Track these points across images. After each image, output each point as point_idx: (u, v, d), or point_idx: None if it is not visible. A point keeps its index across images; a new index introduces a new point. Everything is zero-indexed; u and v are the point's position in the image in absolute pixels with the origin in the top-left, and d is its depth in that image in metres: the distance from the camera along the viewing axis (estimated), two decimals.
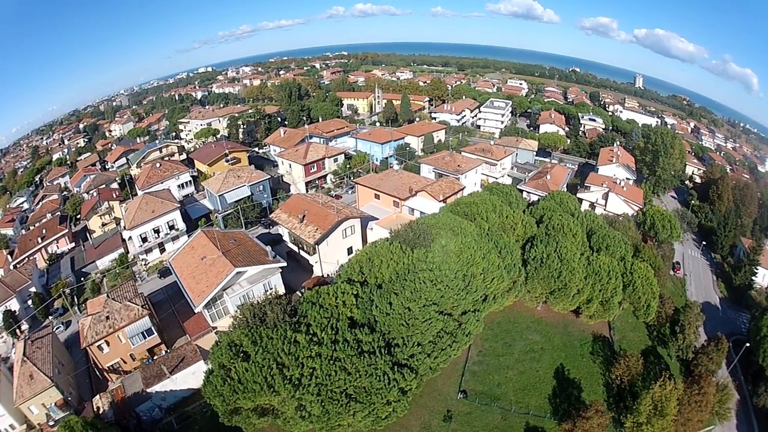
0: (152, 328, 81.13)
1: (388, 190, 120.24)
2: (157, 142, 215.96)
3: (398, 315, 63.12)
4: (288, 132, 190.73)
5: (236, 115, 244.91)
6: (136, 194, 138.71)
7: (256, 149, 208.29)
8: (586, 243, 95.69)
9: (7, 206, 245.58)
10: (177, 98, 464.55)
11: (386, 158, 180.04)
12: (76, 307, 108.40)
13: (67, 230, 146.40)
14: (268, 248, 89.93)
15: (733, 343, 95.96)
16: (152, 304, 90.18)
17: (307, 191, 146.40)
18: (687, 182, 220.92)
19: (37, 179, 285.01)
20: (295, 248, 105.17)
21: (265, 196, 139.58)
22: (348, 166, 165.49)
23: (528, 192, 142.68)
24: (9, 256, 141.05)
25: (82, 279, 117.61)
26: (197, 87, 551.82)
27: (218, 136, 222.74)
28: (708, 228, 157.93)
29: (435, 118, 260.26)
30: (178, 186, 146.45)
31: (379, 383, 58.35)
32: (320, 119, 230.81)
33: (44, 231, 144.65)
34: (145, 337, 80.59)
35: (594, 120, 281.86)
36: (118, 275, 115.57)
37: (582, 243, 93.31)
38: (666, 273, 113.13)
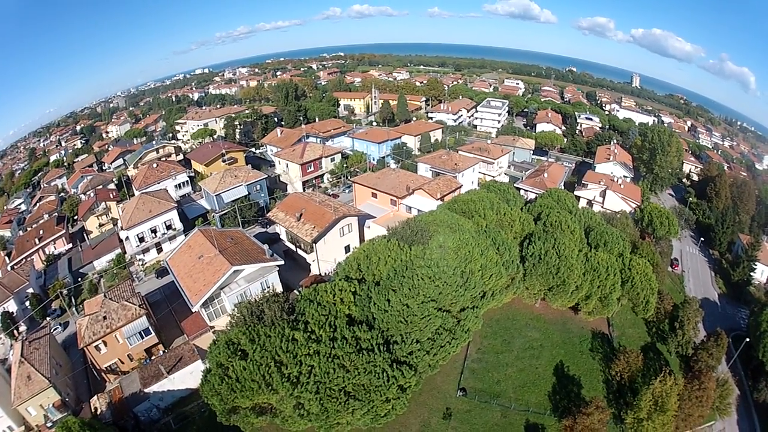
0: (149, 327, 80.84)
1: (385, 188, 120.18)
2: (154, 142, 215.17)
3: (396, 312, 62.84)
4: (285, 132, 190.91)
5: (233, 115, 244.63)
6: (133, 195, 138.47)
7: (253, 149, 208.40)
8: (584, 240, 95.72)
9: (5, 208, 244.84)
10: (174, 99, 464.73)
11: (383, 158, 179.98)
12: (74, 308, 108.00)
13: (64, 231, 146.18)
14: (266, 246, 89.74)
15: (732, 339, 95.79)
16: (150, 304, 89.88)
17: (304, 191, 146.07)
18: (684, 180, 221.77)
19: (34, 181, 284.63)
20: (293, 247, 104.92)
21: (262, 195, 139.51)
22: (345, 165, 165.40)
23: (525, 190, 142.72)
24: (6, 258, 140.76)
25: (80, 280, 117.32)
26: (194, 88, 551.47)
27: (215, 136, 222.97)
28: (706, 225, 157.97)
29: (432, 118, 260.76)
30: (175, 186, 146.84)
31: (378, 381, 58.02)
32: (317, 119, 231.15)
33: (41, 232, 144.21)
34: (142, 337, 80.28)
35: (591, 119, 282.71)
36: (115, 276, 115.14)
37: (580, 240, 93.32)
38: (664, 269, 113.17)
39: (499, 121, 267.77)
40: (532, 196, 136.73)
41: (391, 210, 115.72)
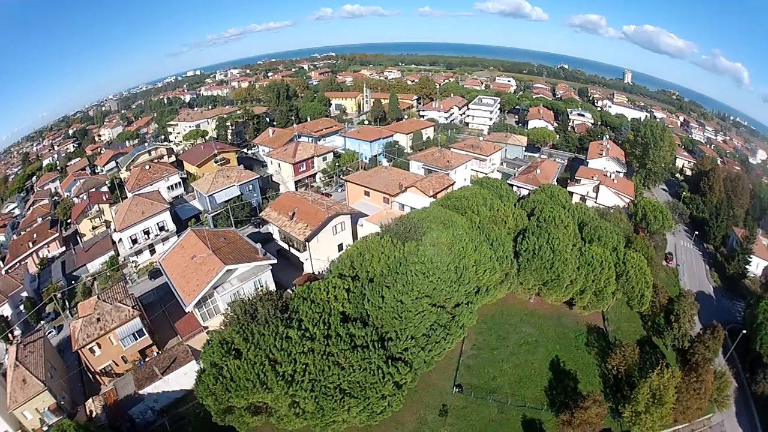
0: (143, 329, 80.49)
1: (377, 186, 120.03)
2: (146, 144, 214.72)
3: (391, 308, 62.72)
4: (276, 132, 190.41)
5: (225, 116, 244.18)
6: (126, 197, 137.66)
7: (245, 150, 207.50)
8: (578, 234, 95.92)
9: None
10: (166, 101, 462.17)
11: (375, 156, 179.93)
12: (68, 311, 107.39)
13: (57, 234, 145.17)
14: (258, 246, 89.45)
15: (729, 332, 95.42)
16: (143, 306, 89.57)
17: (296, 190, 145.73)
18: (677, 175, 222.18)
19: (28, 185, 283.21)
20: (286, 246, 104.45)
21: (255, 195, 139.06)
22: (337, 164, 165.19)
23: (518, 186, 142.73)
24: (0, 262, 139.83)
25: (73, 282, 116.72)
26: (186, 90, 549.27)
27: (207, 137, 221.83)
28: (700, 219, 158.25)
29: (423, 116, 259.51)
30: (168, 187, 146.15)
31: (374, 377, 57.96)
32: (309, 119, 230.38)
33: (35, 235, 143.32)
34: (136, 339, 79.90)
35: (583, 115, 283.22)
36: (108, 278, 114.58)
37: (574, 234, 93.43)
38: (659, 263, 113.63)
39: (490, 119, 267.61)
40: (525, 192, 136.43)
41: (384, 208, 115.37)
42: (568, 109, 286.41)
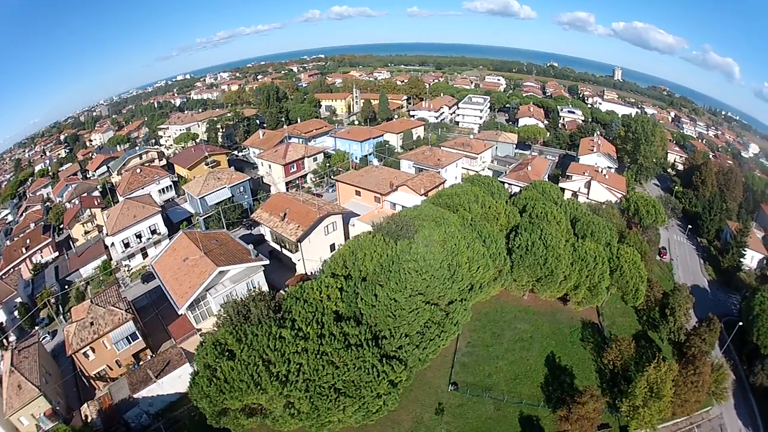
0: (137, 332, 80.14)
1: (368, 186, 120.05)
2: (137, 148, 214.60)
3: (384, 306, 62.50)
4: (267, 134, 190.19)
5: (215, 118, 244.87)
6: (118, 201, 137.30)
7: (236, 152, 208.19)
8: (571, 230, 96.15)
9: None
10: (156, 106, 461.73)
11: (366, 156, 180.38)
12: (62, 316, 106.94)
13: (50, 239, 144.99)
14: (250, 247, 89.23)
15: (724, 324, 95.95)
16: (136, 310, 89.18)
17: (287, 191, 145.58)
18: (669, 170, 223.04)
19: (20, 191, 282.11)
20: (278, 247, 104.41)
21: (246, 197, 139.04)
22: (328, 164, 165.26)
23: (509, 183, 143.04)
24: None
25: (66, 287, 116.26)
26: (176, 94, 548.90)
27: (197, 140, 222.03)
28: (693, 213, 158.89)
29: (413, 116, 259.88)
30: (159, 191, 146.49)
31: (368, 376, 57.72)
32: (299, 120, 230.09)
33: (28, 241, 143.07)
34: (129, 342, 79.57)
35: (573, 112, 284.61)
36: (101, 282, 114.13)
37: (566, 230, 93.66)
38: (652, 258, 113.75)
39: (481, 117, 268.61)
40: (516, 189, 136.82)
41: (376, 207, 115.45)
42: (558, 107, 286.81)
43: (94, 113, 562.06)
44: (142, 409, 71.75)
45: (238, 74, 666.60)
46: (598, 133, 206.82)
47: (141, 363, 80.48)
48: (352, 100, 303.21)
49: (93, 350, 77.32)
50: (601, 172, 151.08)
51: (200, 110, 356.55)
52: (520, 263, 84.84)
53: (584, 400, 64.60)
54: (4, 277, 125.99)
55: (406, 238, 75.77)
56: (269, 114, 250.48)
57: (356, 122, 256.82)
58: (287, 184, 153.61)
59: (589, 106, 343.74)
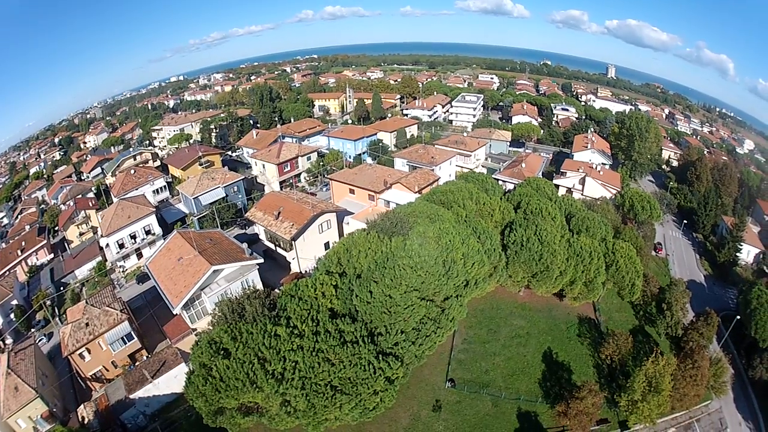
0: (132, 333, 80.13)
1: (362, 184, 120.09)
2: (131, 150, 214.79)
3: (379, 303, 62.35)
4: (260, 134, 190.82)
5: (209, 119, 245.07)
6: (112, 202, 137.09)
7: (230, 152, 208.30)
8: (566, 226, 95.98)
9: None
10: (150, 107, 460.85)
11: (359, 154, 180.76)
12: (58, 318, 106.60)
13: (45, 242, 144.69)
14: (245, 245, 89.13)
15: (722, 319, 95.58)
16: (132, 310, 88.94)
17: (281, 190, 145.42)
18: (664, 166, 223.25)
19: (15, 194, 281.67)
20: (272, 246, 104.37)
21: (240, 196, 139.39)
22: (321, 163, 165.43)
23: (504, 180, 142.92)
24: None
25: (62, 289, 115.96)
26: (170, 95, 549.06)
27: (191, 140, 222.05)
28: (688, 209, 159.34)
29: (407, 115, 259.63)
30: (153, 191, 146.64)
31: (365, 373, 57.50)
32: (292, 120, 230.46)
33: (23, 243, 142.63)
34: (125, 342, 79.55)
35: (567, 109, 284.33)
36: (96, 284, 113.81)
37: (561, 226, 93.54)
38: (648, 253, 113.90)
39: (474, 115, 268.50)
40: (510, 186, 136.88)
41: (370, 205, 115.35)
42: (551, 104, 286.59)
43: (88, 115, 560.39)
44: (139, 409, 71.81)
45: (231, 75, 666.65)
46: (592, 130, 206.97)
47: (137, 363, 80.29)
48: (346, 99, 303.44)
49: (89, 351, 77.43)
50: (596, 168, 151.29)
51: (194, 111, 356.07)
52: (515, 259, 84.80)
53: (582, 395, 64.61)
54: None
55: (401, 235, 75.61)
56: (262, 114, 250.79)
57: (350, 121, 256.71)
58: (281, 183, 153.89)
59: (583, 103, 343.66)
